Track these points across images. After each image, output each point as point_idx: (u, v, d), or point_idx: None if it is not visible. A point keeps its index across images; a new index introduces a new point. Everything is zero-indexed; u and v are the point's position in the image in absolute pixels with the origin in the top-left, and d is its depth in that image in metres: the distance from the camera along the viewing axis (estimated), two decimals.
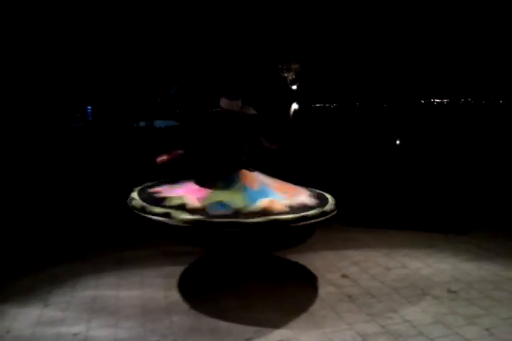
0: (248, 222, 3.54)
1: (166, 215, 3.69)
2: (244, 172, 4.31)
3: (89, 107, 18.66)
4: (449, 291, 4.07)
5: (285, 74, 14.80)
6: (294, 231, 3.78)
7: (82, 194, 8.02)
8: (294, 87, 14.74)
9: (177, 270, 4.76)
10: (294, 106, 13.92)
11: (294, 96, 14.42)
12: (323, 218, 3.83)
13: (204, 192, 4.02)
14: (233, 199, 3.88)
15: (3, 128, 11.27)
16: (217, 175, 4.30)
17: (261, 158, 4.56)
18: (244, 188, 4.06)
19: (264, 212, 3.68)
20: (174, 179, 4.52)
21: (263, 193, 4.00)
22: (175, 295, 4.18)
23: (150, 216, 3.80)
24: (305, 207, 3.86)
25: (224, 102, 4.48)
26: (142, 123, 20.80)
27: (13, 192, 7.76)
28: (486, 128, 9.93)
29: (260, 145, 4.58)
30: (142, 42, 15.57)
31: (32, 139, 11.22)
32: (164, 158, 4.41)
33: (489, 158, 8.14)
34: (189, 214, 3.66)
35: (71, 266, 4.96)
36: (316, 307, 3.84)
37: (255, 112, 4.55)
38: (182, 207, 3.78)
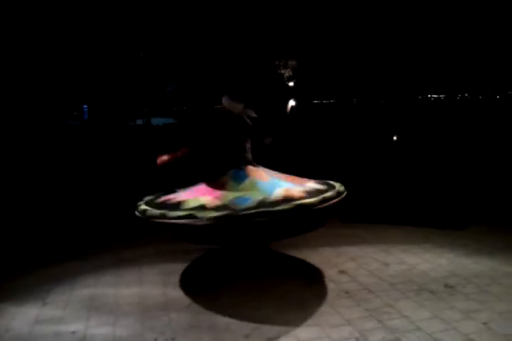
0: (278, 210, 3.61)
1: (191, 216, 3.67)
2: (250, 168, 4.37)
3: (86, 106, 18.62)
4: (446, 286, 4.08)
5: (282, 71, 14.79)
6: (317, 213, 3.90)
7: (80, 194, 8.01)
8: (291, 84, 14.73)
9: (175, 268, 4.77)
10: (291, 102, 13.91)
11: (291, 93, 14.40)
12: (340, 198, 4.04)
13: (218, 191, 4.05)
14: (250, 193, 3.95)
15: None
16: (223, 173, 4.31)
17: (259, 151, 4.59)
18: (255, 182, 4.14)
19: (286, 199, 3.77)
20: (177, 187, 4.52)
21: (276, 184, 4.11)
22: (173, 293, 4.19)
23: (173, 220, 3.77)
24: (319, 191, 4.02)
25: (226, 101, 4.51)
26: (139, 121, 20.72)
27: (12, 192, 7.75)
28: (482, 123, 9.94)
29: (257, 139, 4.61)
30: (138, 39, 15.54)
31: (28, 138, 11.19)
32: (165, 158, 4.35)
33: (486, 153, 8.14)
34: (215, 211, 3.68)
35: (70, 265, 4.97)
36: (314, 303, 3.86)
37: (256, 115, 4.59)
38: (203, 207, 3.78)
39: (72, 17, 13.45)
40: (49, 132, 12.78)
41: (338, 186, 4.26)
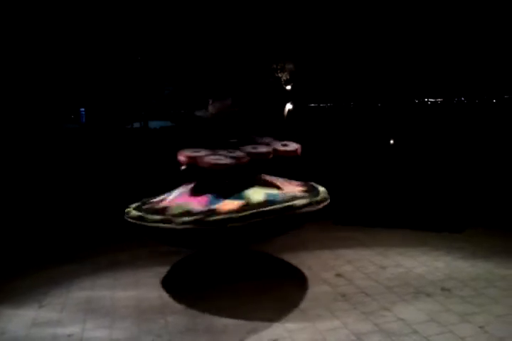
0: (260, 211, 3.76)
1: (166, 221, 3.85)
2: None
3: (83, 109, 18.63)
4: (443, 289, 4.08)
5: (279, 75, 14.81)
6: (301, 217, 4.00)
7: (77, 197, 7.99)
8: (289, 87, 14.75)
9: (170, 270, 4.78)
10: (289, 106, 13.92)
11: (288, 97, 14.42)
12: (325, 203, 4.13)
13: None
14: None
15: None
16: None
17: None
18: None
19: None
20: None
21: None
22: (169, 295, 4.19)
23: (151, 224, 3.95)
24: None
25: (214, 104, 4.56)
26: (137, 124, 20.70)
27: (10, 195, 7.73)
28: (479, 127, 9.96)
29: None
30: (135, 43, 15.56)
31: (26, 141, 11.17)
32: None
33: (482, 157, 8.16)
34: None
35: (66, 268, 4.97)
36: (310, 306, 3.86)
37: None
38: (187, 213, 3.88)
39: (70, 20, 13.46)
40: (46, 135, 12.77)
41: (322, 192, 4.31)
